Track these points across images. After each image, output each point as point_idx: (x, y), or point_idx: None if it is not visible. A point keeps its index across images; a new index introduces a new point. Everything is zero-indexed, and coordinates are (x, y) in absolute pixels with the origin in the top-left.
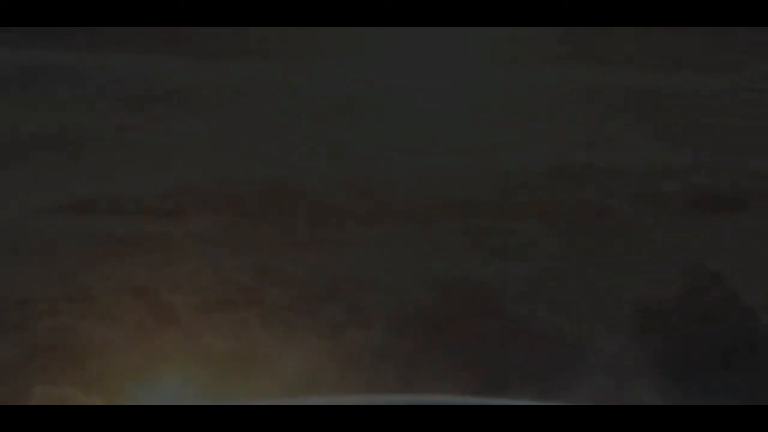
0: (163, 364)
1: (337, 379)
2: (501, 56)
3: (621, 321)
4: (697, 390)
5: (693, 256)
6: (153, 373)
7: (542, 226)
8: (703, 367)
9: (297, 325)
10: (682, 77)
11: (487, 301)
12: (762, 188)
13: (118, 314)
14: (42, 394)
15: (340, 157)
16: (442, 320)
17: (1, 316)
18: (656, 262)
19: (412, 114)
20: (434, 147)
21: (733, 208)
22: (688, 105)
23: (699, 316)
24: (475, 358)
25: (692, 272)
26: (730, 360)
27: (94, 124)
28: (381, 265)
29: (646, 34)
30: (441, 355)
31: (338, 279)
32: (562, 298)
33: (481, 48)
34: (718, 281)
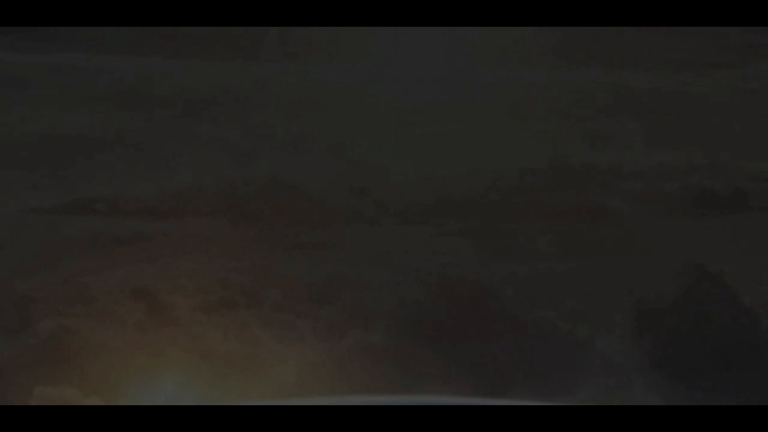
0: (163, 364)
1: (336, 379)
2: (501, 57)
3: (621, 321)
4: (697, 390)
5: (693, 256)
6: (152, 373)
7: (542, 226)
8: (703, 367)
9: (296, 326)
10: (682, 77)
11: (487, 301)
12: (762, 188)
13: (118, 314)
14: (42, 394)
15: (339, 157)
16: (442, 320)
17: (2, 317)
18: (656, 262)
19: (412, 114)
20: (433, 147)
21: (733, 208)
22: (688, 105)
23: (699, 316)
24: (475, 358)
25: (692, 272)
26: (730, 360)
27: (94, 124)
28: (381, 265)
29: (646, 34)
30: (441, 355)
31: (338, 279)
32: (562, 298)
33: (481, 48)
34: (718, 281)
